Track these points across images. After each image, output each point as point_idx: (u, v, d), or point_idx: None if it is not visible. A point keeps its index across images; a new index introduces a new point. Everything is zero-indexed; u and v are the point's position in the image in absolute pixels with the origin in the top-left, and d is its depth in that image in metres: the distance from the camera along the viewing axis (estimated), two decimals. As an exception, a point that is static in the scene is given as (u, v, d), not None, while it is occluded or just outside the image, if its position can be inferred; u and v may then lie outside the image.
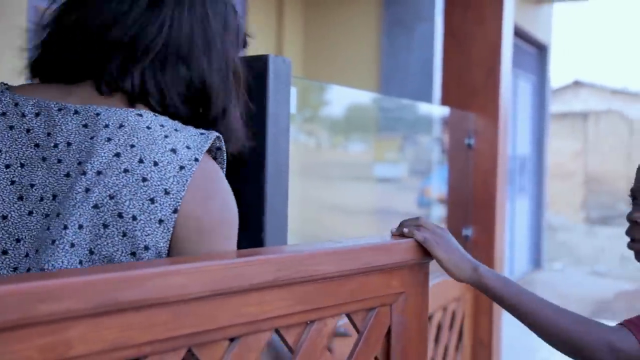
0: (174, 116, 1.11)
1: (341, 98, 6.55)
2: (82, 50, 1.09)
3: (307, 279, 1.07)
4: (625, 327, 1.25)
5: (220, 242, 1.06)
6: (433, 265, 1.37)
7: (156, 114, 1.07)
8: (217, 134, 1.10)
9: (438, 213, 6.00)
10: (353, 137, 7.95)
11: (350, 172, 7.40)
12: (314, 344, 1.11)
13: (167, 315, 0.88)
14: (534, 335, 1.37)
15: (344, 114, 7.58)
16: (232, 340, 0.98)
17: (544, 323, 1.26)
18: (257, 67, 1.45)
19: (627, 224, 1.38)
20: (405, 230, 1.29)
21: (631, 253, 1.37)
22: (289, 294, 1.05)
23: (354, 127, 7.79)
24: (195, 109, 1.15)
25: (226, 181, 1.12)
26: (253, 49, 1.35)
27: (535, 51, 10.00)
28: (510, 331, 3.78)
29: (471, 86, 2.99)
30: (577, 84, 24.56)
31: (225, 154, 1.14)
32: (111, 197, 0.99)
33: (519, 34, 8.70)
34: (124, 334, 0.83)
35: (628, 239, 1.37)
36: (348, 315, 1.19)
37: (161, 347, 0.88)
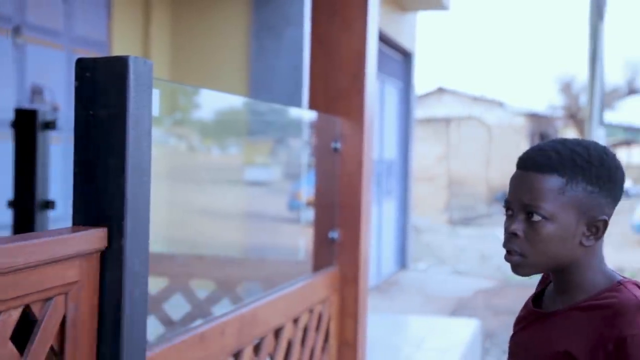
0: None
1: (212, 102, 6.50)
2: None
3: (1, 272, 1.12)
4: None
5: None
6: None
7: None
8: None
9: (308, 216, 6.06)
10: (224, 141, 7.90)
11: (221, 175, 7.35)
12: None
13: None
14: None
15: (215, 117, 7.52)
16: None
17: None
18: (118, 69, 1.41)
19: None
20: None
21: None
22: None
23: (224, 130, 7.75)
24: None
25: None
26: (117, 51, 1.32)
27: (400, 58, 10.33)
28: (375, 332, 3.89)
29: (337, 91, 3.05)
30: (440, 90, 25.60)
31: None
32: None
33: (384, 40, 8.95)
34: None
35: (504, 251, 1.36)
36: (28, 306, 1.23)
37: None
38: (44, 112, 2.75)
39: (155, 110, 1.54)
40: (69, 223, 1.45)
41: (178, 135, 7.12)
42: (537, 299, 1.48)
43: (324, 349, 2.88)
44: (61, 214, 3.25)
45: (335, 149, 3.04)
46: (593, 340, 1.28)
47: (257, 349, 2.28)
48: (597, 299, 1.33)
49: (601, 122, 11.47)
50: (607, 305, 1.30)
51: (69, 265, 1.31)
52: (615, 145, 29.26)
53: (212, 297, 3.22)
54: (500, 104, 25.18)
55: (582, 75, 19.91)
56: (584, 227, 1.34)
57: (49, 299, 1.28)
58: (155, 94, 1.53)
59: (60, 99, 5.20)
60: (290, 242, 6.80)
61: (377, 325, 4.31)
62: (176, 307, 3.21)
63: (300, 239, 5.59)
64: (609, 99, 19.79)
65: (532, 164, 1.34)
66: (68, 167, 1.49)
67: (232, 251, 6.37)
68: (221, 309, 2.88)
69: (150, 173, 1.50)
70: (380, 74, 8.53)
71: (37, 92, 5.01)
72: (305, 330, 2.67)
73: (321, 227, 3.06)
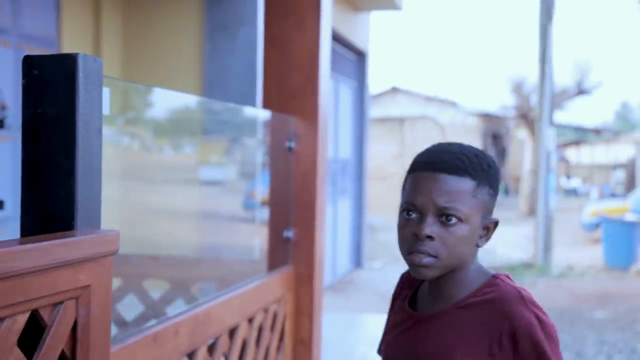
0: None
1: (165, 101, 6.44)
2: None
3: (2, 277, 1.09)
4: None
5: None
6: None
7: None
8: None
9: (263, 215, 6.05)
10: (178, 140, 7.84)
11: (175, 175, 7.29)
12: (5, 341, 1.13)
13: None
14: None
15: (169, 116, 7.45)
16: None
17: None
18: (66, 66, 1.39)
19: None
20: None
21: None
22: None
23: (178, 129, 7.68)
24: None
25: None
26: (67, 49, 1.30)
27: (354, 57, 10.38)
28: (330, 331, 3.90)
29: (291, 90, 3.05)
30: (394, 90, 25.78)
31: None
32: None
33: (338, 40, 8.98)
34: None
35: (418, 256, 1.32)
36: (36, 311, 1.21)
37: None
38: (-8, 110, 2.69)
39: (106, 108, 1.52)
40: (18, 223, 1.42)
41: (131, 134, 7.03)
42: (410, 301, 1.47)
43: (279, 348, 2.88)
44: (10, 213, 3.19)
45: (290, 148, 3.05)
46: (485, 337, 1.30)
47: (211, 348, 2.27)
48: (478, 296, 1.35)
49: (551, 122, 11.70)
50: (490, 300, 1.33)
51: (79, 269, 1.27)
52: (565, 145, 29.88)
53: (166, 297, 3.19)
54: (454, 104, 25.49)
55: (533, 76, 20.26)
56: (480, 228, 1.37)
57: (59, 304, 1.24)
58: (106, 92, 1.51)
59: (8, 98, 5.09)
60: (245, 242, 6.78)
61: (332, 324, 4.33)
62: (129, 307, 3.17)
63: (255, 238, 5.57)
64: (559, 99, 20.17)
65: (446, 166, 1.34)
66: (17, 167, 1.46)
67: (187, 251, 6.33)
68: (175, 309, 2.86)
69: (101, 173, 1.48)
70: (334, 74, 8.56)
71: (-16, 90, 4.90)
72: (260, 329, 2.67)
73: (276, 226, 3.06)
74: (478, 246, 1.38)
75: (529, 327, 1.28)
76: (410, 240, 1.33)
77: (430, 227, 1.31)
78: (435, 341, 1.36)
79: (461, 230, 1.33)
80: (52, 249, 1.20)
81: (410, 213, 1.34)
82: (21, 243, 1.16)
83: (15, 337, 1.14)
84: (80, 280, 1.28)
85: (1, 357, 1.12)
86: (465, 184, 1.33)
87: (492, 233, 1.40)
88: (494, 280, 1.36)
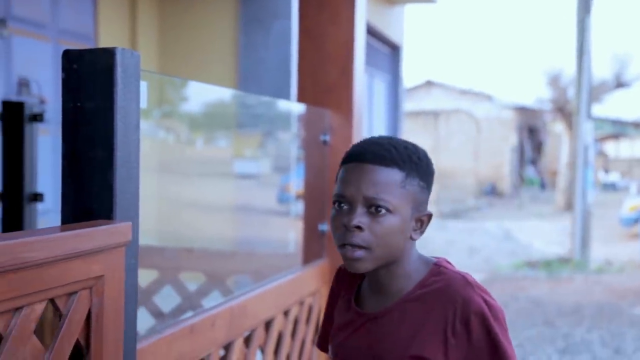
0: None
1: (201, 94, 6.49)
2: None
3: (19, 267, 1.11)
4: None
5: None
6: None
7: None
8: None
9: (297, 209, 6.06)
10: (213, 134, 7.89)
11: (210, 168, 7.34)
12: (23, 330, 1.15)
13: None
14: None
15: (204, 110, 7.50)
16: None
17: None
18: (105, 60, 1.40)
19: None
20: None
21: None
22: (0, 281, 1.08)
23: (213, 123, 7.73)
24: None
25: None
26: (104, 43, 1.31)
27: (389, 51, 10.34)
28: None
29: (326, 84, 3.05)
30: (429, 83, 25.64)
31: None
32: None
33: (373, 34, 8.95)
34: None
35: (340, 246, 1.33)
36: (52, 300, 1.23)
37: None
38: (31, 104, 2.73)
39: (144, 102, 1.53)
40: (58, 215, 1.44)
41: (166, 128, 7.10)
42: (355, 299, 1.45)
43: (314, 341, 2.89)
44: (50, 206, 3.24)
45: (325, 142, 3.05)
46: (438, 326, 1.30)
47: (247, 341, 2.28)
48: (425, 287, 1.34)
49: (589, 116, 11.53)
50: (438, 289, 1.33)
51: (93, 259, 1.30)
52: (604, 138, 29.43)
53: (202, 290, 3.22)
54: (489, 97, 25.26)
55: (570, 68, 19.98)
56: (413, 221, 1.36)
57: (73, 293, 1.27)
58: (143, 85, 1.52)
59: (47, 92, 5.17)
60: (279, 235, 6.81)
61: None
62: (166, 299, 3.21)
63: (290, 232, 5.59)
64: (597, 92, 19.84)
65: (373, 157, 1.33)
66: (57, 160, 1.48)
67: (222, 244, 6.37)
68: (211, 301, 2.88)
69: (138, 166, 1.49)
70: (368, 68, 8.53)
71: (24, 84, 4.99)
72: (295, 322, 2.67)
73: (311, 219, 3.06)
74: (412, 239, 1.37)
75: (479, 309, 1.29)
76: (341, 231, 1.33)
77: (359, 217, 1.31)
78: (390, 338, 1.35)
79: (390, 221, 1.32)
80: (66, 239, 1.22)
81: (341, 205, 1.34)
82: (37, 234, 1.19)
83: (33, 325, 1.17)
84: (94, 270, 1.30)
85: (20, 344, 1.14)
86: (393, 175, 1.32)
87: (426, 226, 1.39)
88: (437, 269, 1.36)
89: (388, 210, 1.31)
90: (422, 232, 1.39)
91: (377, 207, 1.31)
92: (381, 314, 1.37)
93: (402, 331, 1.34)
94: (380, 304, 1.39)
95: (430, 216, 1.39)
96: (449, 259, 1.42)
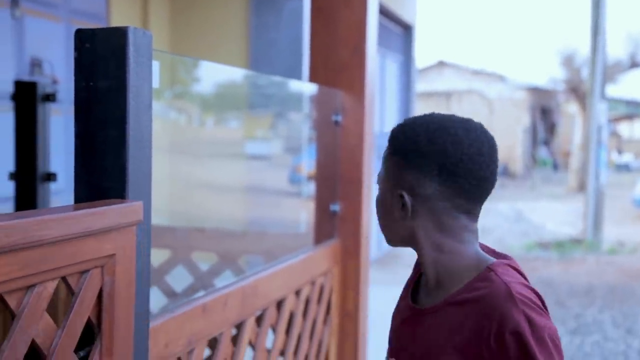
0: None
1: (212, 74, 6.47)
2: None
3: (32, 245, 1.12)
4: None
5: None
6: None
7: None
8: None
9: (309, 189, 6.07)
10: (224, 114, 7.88)
11: (222, 149, 7.34)
12: (35, 308, 1.16)
13: None
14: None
15: (215, 90, 7.49)
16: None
17: None
18: (117, 40, 1.40)
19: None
20: None
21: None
22: (13, 259, 1.09)
23: (225, 104, 7.72)
24: None
25: None
26: (116, 22, 1.31)
27: (401, 31, 10.27)
28: (377, 304, 3.91)
29: (338, 64, 3.03)
30: (441, 64, 25.48)
31: None
32: None
33: (385, 13, 8.89)
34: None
35: None
36: (64, 279, 1.24)
37: None
38: (44, 84, 2.74)
39: (156, 82, 1.53)
40: (71, 195, 1.45)
41: (178, 109, 7.10)
42: (414, 290, 1.43)
43: (325, 320, 2.90)
44: (63, 186, 3.26)
45: (336, 122, 3.04)
46: (474, 338, 1.23)
47: (259, 320, 2.30)
48: (469, 291, 1.26)
49: (603, 96, 11.43)
50: (480, 297, 1.24)
51: (105, 238, 1.31)
52: (617, 119, 29.21)
53: (214, 269, 3.23)
54: (501, 78, 25.09)
55: (584, 48, 19.76)
56: (396, 198, 1.33)
57: (85, 272, 1.28)
58: (156, 65, 1.52)
59: (59, 72, 5.17)
60: (291, 215, 6.82)
61: (379, 298, 4.34)
62: (179, 278, 3.22)
63: (302, 212, 5.60)
64: (611, 72, 19.63)
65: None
66: (69, 140, 1.48)
67: (234, 224, 6.39)
68: (223, 281, 2.89)
69: (151, 145, 1.49)
70: (380, 48, 8.48)
71: (36, 64, 4.99)
72: (307, 302, 2.68)
73: (322, 200, 3.07)
74: (403, 220, 1.32)
75: (516, 328, 1.19)
76: None
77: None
78: (427, 339, 1.31)
79: (377, 195, 1.40)
80: (79, 218, 1.23)
81: None
82: (50, 212, 1.19)
83: (45, 303, 1.19)
84: (105, 249, 1.31)
85: (32, 321, 1.16)
86: (387, 152, 1.40)
87: (407, 210, 1.31)
88: (486, 273, 1.26)
89: (377, 182, 1.40)
90: (406, 215, 1.31)
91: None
92: (426, 312, 1.34)
93: (439, 336, 1.29)
94: (428, 299, 1.36)
95: (401, 196, 1.31)
96: (514, 262, 1.32)
